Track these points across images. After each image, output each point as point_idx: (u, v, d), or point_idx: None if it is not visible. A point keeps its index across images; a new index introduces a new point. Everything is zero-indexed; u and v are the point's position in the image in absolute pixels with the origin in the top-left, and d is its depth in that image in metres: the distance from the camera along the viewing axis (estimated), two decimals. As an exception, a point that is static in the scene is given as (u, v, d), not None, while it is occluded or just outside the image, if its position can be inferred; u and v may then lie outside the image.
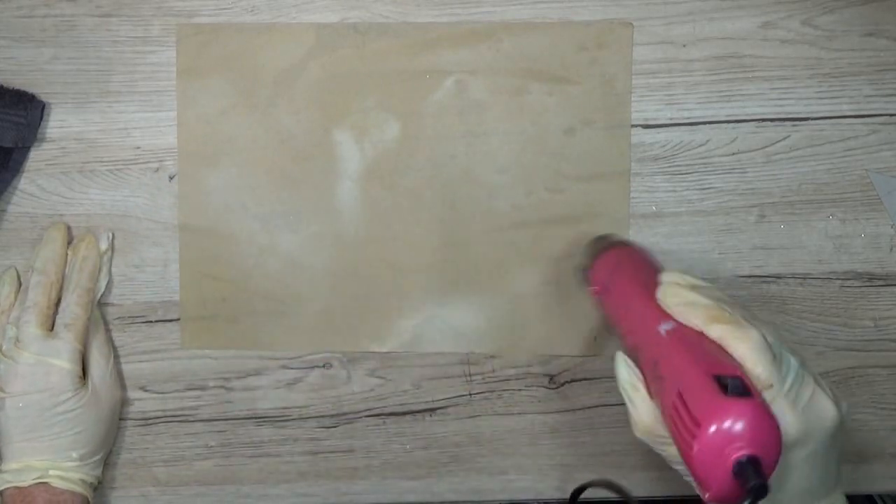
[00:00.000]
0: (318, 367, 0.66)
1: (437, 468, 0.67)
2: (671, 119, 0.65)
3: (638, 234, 0.65)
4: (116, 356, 0.65)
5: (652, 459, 0.66)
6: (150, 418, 0.67)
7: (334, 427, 0.67)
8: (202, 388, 0.66)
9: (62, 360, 0.60)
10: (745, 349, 0.46)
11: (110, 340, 0.65)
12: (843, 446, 0.49)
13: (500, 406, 0.67)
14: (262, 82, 0.65)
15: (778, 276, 0.66)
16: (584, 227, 0.65)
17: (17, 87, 0.64)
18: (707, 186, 0.65)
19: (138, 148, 0.65)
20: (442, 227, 0.65)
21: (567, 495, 0.64)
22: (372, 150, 0.65)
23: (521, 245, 0.65)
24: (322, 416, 0.67)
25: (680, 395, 0.43)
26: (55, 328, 0.61)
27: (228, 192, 0.65)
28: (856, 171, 0.65)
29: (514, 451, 0.67)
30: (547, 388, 0.66)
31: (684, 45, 0.64)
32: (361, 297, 0.65)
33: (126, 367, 0.66)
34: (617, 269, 0.56)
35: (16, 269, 0.64)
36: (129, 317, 0.66)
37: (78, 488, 0.60)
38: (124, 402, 0.66)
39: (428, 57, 0.64)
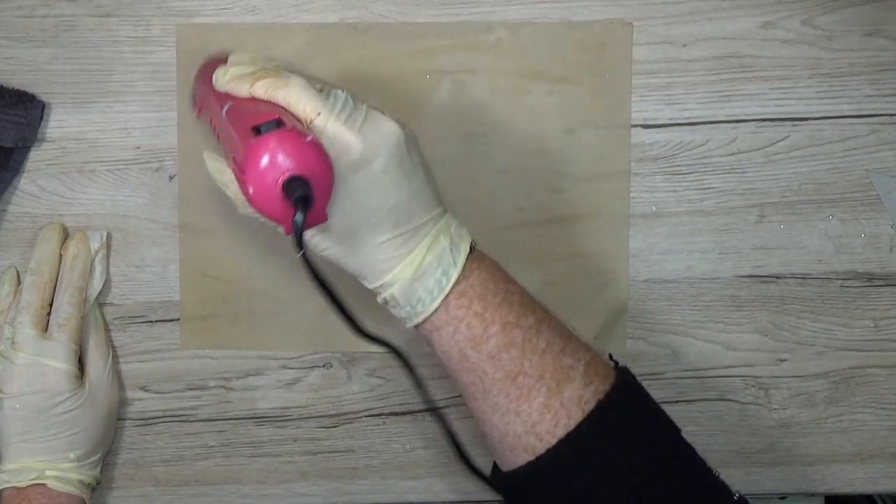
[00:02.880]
0: (318, 367, 0.66)
1: (437, 468, 0.67)
2: (671, 119, 0.65)
3: (638, 234, 0.65)
4: (115, 356, 0.65)
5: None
6: (150, 418, 0.67)
7: (334, 427, 0.67)
8: (202, 388, 0.66)
9: (57, 361, 0.60)
10: (287, 93, 0.49)
11: (109, 341, 0.65)
12: (426, 164, 0.52)
13: (500, 406, 0.67)
14: (262, 82, 0.65)
15: (778, 276, 0.66)
16: (584, 226, 0.65)
17: (17, 87, 0.64)
18: (707, 186, 0.65)
19: (138, 148, 0.65)
20: (442, 227, 0.65)
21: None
22: (372, 150, 0.65)
23: (521, 245, 0.65)
24: (322, 416, 0.67)
25: (234, 160, 0.47)
26: (49, 329, 0.61)
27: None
28: (856, 171, 0.65)
29: (514, 451, 0.67)
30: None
31: (684, 45, 0.64)
32: (361, 296, 0.65)
33: (126, 367, 0.66)
34: (205, 82, 0.57)
35: (16, 269, 0.64)
36: (129, 317, 0.66)
37: (75, 490, 0.60)
38: (123, 402, 0.66)
39: (428, 57, 0.64)
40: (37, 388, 0.59)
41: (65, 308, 0.61)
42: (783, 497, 0.70)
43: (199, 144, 0.65)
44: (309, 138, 0.45)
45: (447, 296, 0.50)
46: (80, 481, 0.61)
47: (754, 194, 0.65)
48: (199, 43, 0.64)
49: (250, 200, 0.45)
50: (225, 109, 0.50)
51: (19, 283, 0.64)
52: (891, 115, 0.65)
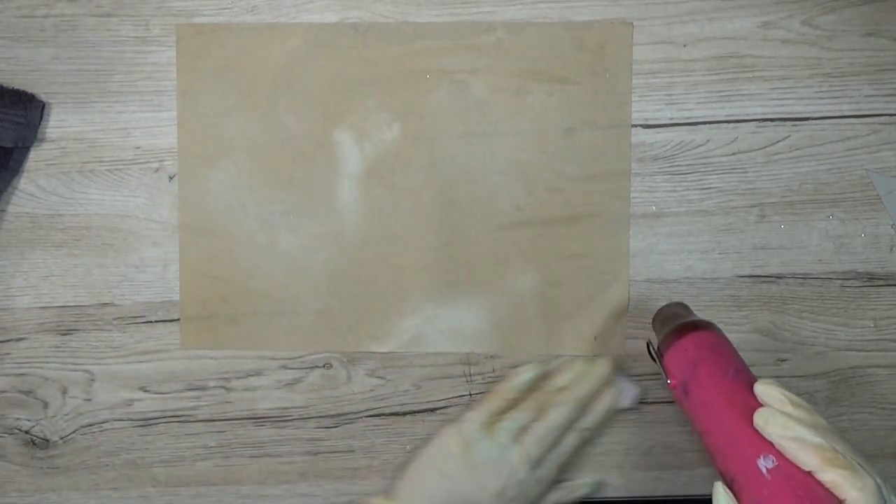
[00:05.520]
0: (318, 367, 0.66)
1: (437, 468, 0.67)
2: (671, 119, 0.65)
3: (638, 234, 0.65)
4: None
5: (652, 459, 0.66)
6: (149, 418, 0.66)
7: (334, 427, 0.67)
8: (202, 389, 0.66)
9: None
10: (859, 496, 0.44)
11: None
12: None
13: (501, 406, 0.67)
14: (262, 82, 0.65)
15: (778, 276, 0.66)
16: (584, 226, 0.65)
17: (17, 87, 0.64)
18: (707, 186, 0.65)
19: (138, 148, 0.65)
20: (442, 227, 0.65)
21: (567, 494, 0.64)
22: (372, 150, 0.65)
23: (521, 245, 0.65)
24: (322, 416, 0.67)
25: None
26: (545, 458, 0.61)
27: (228, 192, 0.65)
28: (856, 171, 0.65)
29: (515, 451, 0.67)
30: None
31: (684, 45, 0.64)
32: (361, 297, 0.65)
33: (126, 368, 0.66)
34: (699, 366, 0.53)
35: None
36: (129, 317, 0.66)
37: None
38: (123, 402, 0.65)
39: (428, 57, 0.64)
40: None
41: (568, 448, 0.62)
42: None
43: (199, 144, 0.65)
44: None
45: None
46: None
47: (755, 194, 0.65)
48: (200, 43, 0.64)
49: None
50: (767, 466, 0.46)
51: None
52: (891, 114, 0.65)
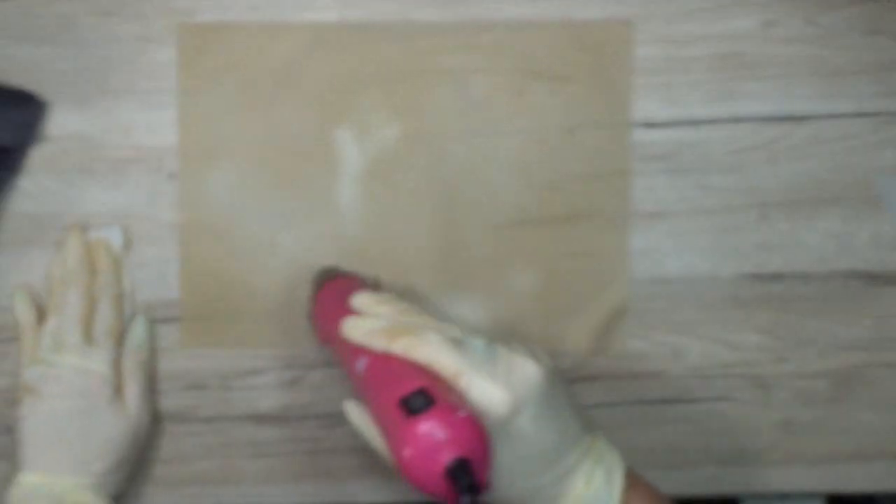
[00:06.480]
0: (318, 366, 0.66)
1: (437, 468, 0.67)
2: (672, 118, 0.65)
3: (639, 234, 0.65)
4: (154, 378, 0.65)
5: (652, 459, 0.66)
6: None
7: (334, 427, 0.67)
8: (202, 388, 0.66)
9: (102, 367, 0.60)
10: (425, 353, 0.47)
11: (151, 359, 0.65)
12: (569, 392, 0.50)
13: (501, 406, 0.66)
14: (262, 81, 0.65)
15: (779, 275, 0.66)
16: (584, 226, 0.65)
17: (17, 86, 0.64)
18: (708, 185, 0.65)
19: (138, 147, 0.65)
20: (442, 226, 0.65)
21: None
22: (372, 149, 0.65)
23: (522, 244, 0.65)
24: (322, 416, 0.67)
25: (385, 432, 0.46)
26: (94, 336, 0.61)
27: (229, 191, 0.65)
28: (857, 170, 0.65)
29: (515, 450, 0.67)
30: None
31: (685, 44, 0.64)
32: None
33: (126, 367, 0.66)
34: (326, 312, 0.57)
35: (25, 289, 0.64)
36: (129, 316, 0.66)
37: None
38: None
39: (428, 56, 0.64)
40: (79, 392, 0.59)
41: (108, 316, 0.62)
42: (784, 497, 0.70)
43: (200, 143, 0.65)
44: (464, 414, 0.43)
45: None
46: None
47: (756, 193, 0.65)
48: (200, 42, 0.64)
49: (409, 479, 0.44)
50: (362, 366, 0.50)
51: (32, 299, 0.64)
52: (892, 113, 0.65)
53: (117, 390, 0.61)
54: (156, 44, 0.64)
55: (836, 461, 0.67)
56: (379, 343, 0.49)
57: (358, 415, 0.51)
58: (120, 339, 0.62)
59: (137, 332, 0.64)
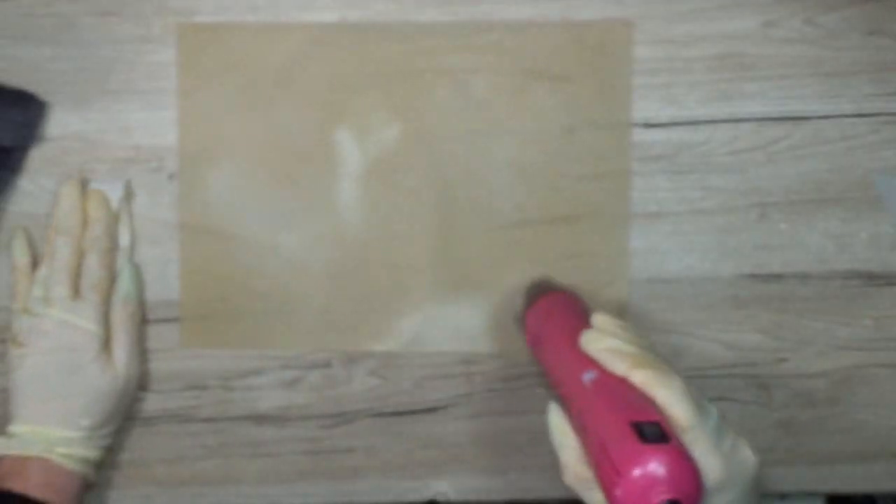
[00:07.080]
0: (318, 366, 0.66)
1: (437, 468, 0.67)
2: (672, 118, 0.65)
3: (639, 234, 0.65)
4: (144, 328, 0.65)
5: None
6: (150, 418, 0.66)
7: (334, 427, 0.67)
8: (202, 388, 0.66)
9: (89, 322, 0.60)
10: (667, 394, 0.46)
11: (141, 311, 0.65)
12: (760, 501, 0.49)
13: (501, 405, 0.66)
14: (262, 81, 0.65)
15: (779, 276, 0.66)
16: (584, 226, 0.65)
17: (17, 86, 0.64)
18: (708, 185, 0.65)
19: (138, 147, 0.65)
20: (442, 226, 0.65)
21: (565, 493, 0.64)
22: (372, 149, 0.65)
23: (522, 244, 0.65)
24: (322, 416, 0.67)
25: (602, 445, 0.45)
26: (81, 290, 0.61)
27: (228, 192, 0.65)
28: (857, 170, 0.65)
29: (515, 450, 0.67)
30: (548, 387, 0.66)
31: (685, 44, 0.64)
32: (361, 296, 0.65)
33: (126, 367, 0.66)
34: (547, 319, 0.57)
35: (24, 230, 0.64)
36: (129, 316, 0.66)
37: (78, 467, 0.59)
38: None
39: (428, 56, 0.64)
40: (65, 347, 0.59)
41: (95, 270, 0.61)
42: (783, 497, 0.70)
43: (200, 144, 0.65)
44: (693, 463, 0.43)
45: None
46: (86, 459, 0.60)
47: (755, 193, 0.65)
48: (200, 42, 0.64)
49: (616, 497, 0.43)
50: (591, 378, 0.49)
51: (30, 244, 0.63)
52: (892, 114, 0.65)
53: (105, 345, 0.61)
54: (155, 44, 0.64)
55: (836, 461, 0.67)
56: (619, 365, 0.49)
57: (559, 418, 0.50)
58: (108, 294, 0.62)
59: (124, 282, 0.63)
